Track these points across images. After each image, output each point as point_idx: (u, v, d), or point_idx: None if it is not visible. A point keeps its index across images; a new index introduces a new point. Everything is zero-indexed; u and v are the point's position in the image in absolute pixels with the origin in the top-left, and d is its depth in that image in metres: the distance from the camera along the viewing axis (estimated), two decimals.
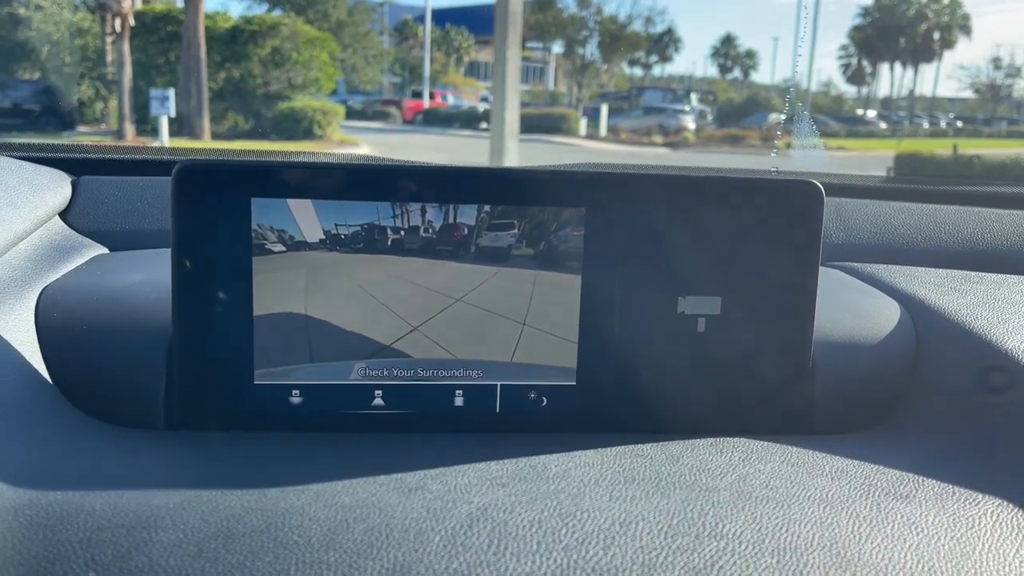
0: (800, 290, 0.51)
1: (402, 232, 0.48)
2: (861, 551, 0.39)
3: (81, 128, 15.00)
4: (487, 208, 0.49)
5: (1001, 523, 0.42)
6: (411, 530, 0.38)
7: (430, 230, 0.48)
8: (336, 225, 0.48)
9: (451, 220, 0.49)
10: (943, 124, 32.10)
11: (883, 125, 29.36)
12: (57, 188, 0.72)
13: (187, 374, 0.48)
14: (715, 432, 0.51)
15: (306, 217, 0.47)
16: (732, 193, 0.50)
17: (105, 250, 0.70)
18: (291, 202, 0.47)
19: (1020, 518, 0.43)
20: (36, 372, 0.49)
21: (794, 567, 0.38)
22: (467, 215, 0.49)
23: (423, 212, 0.48)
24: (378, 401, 0.49)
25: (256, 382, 0.48)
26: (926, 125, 31.71)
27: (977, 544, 0.40)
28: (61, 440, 0.45)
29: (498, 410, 0.50)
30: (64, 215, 0.73)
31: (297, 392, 0.49)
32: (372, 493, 0.41)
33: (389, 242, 0.48)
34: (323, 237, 0.48)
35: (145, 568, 0.36)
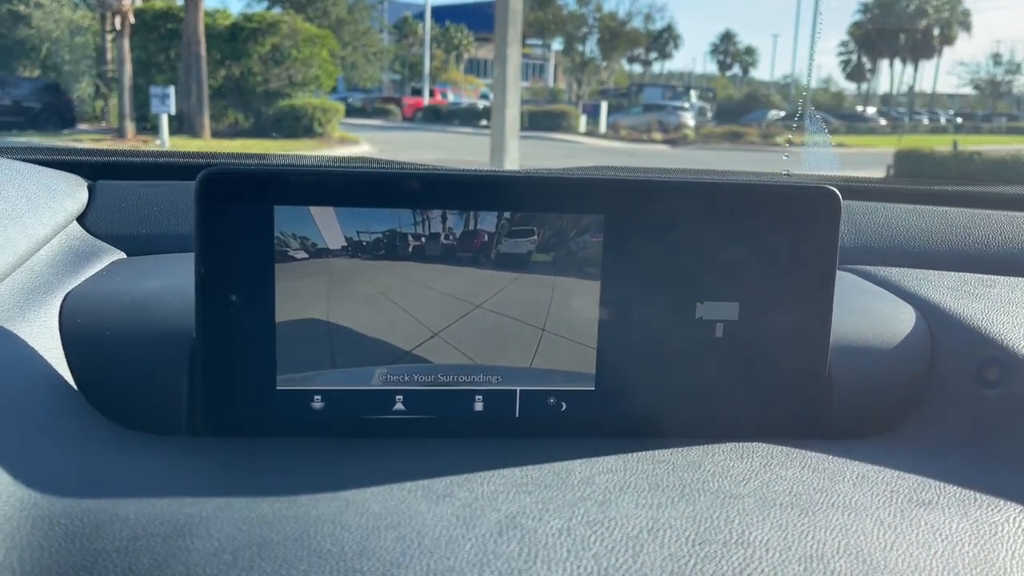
0: (817, 295, 0.52)
1: (423, 239, 0.49)
2: (887, 558, 0.39)
3: (81, 126, 15.00)
4: (507, 215, 0.49)
5: (1021, 530, 0.42)
6: (442, 538, 0.38)
7: (450, 236, 0.49)
8: (358, 232, 0.48)
9: (471, 227, 0.49)
10: (943, 120, 32.10)
11: (883, 122, 29.38)
12: (75, 193, 0.73)
13: (210, 380, 0.48)
14: (733, 437, 0.51)
15: (328, 224, 0.48)
16: (749, 199, 0.51)
17: (123, 255, 0.70)
18: (313, 209, 0.47)
19: None
20: (62, 378, 0.50)
21: (821, 575, 0.38)
22: (487, 222, 0.49)
23: (444, 219, 0.49)
24: (399, 406, 0.50)
25: (278, 388, 0.49)
26: (926, 121, 31.74)
27: (1001, 551, 0.41)
28: (89, 447, 0.46)
29: (517, 415, 0.51)
30: (81, 219, 0.73)
31: (319, 398, 0.49)
32: (401, 500, 0.41)
33: (410, 249, 0.49)
34: (345, 244, 0.48)
35: None
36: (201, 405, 0.49)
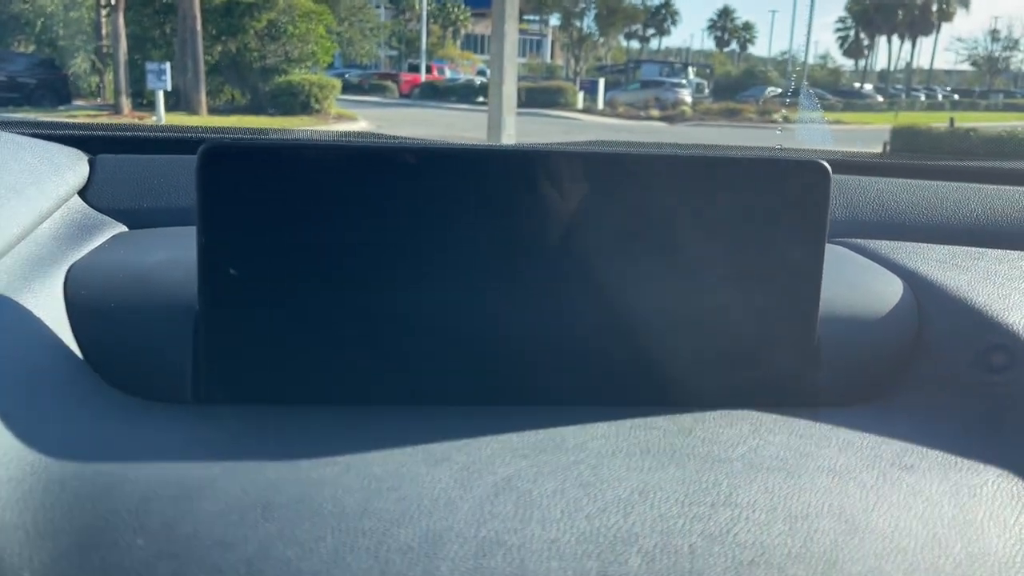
0: (806, 267, 0.53)
1: (427, 214, 0.49)
2: (869, 519, 0.41)
3: (77, 102, 14.92)
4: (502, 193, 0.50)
5: (1002, 492, 0.44)
6: (440, 499, 0.40)
7: (460, 211, 0.50)
8: (357, 205, 0.49)
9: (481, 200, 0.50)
10: (940, 97, 32.03)
11: (880, 98, 29.29)
12: (76, 167, 0.73)
13: (213, 350, 0.49)
14: (723, 405, 0.52)
15: (330, 196, 0.49)
16: (740, 171, 0.52)
17: (124, 228, 0.71)
18: (314, 182, 0.48)
19: (1020, 487, 0.44)
20: (68, 349, 0.51)
21: (805, 533, 0.40)
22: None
23: (451, 194, 0.49)
24: (401, 375, 0.51)
25: (280, 356, 0.50)
26: (923, 98, 31.65)
27: (979, 512, 0.42)
28: (97, 414, 0.47)
29: (516, 383, 0.52)
30: (82, 193, 0.74)
31: (321, 366, 0.50)
32: (401, 464, 0.42)
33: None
34: (346, 217, 0.49)
35: (191, 536, 0.37)
36: (204, 375, 0.50)
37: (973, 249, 0.73)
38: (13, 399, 0.43)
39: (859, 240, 0.76)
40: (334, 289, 0.49)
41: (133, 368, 0.51)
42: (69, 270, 0.56)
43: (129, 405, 0.49)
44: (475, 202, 0.50)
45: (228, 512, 0.38)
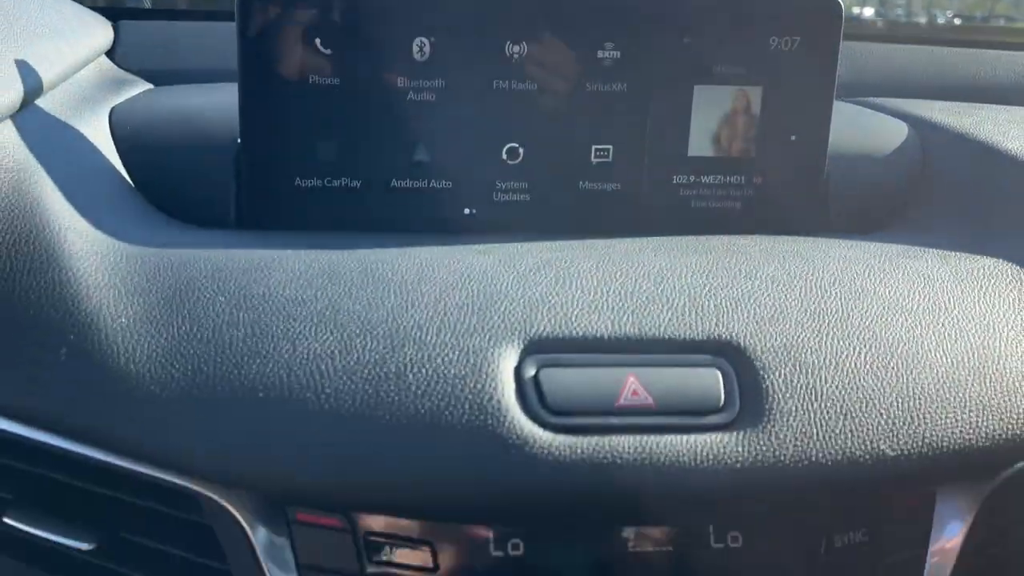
0: (817, 97, 0.55)
1: (466, 42, 0.51)
2: (876, 288, 0.45)
3: None
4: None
5: (996, 273, 0.48)
6: (488, 272, 0.44)
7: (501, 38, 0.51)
8: (397, 40, 0.51)
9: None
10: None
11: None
12: (103, 27, 0.75)
13: (256, 178, 0.52)
14: (736, 231, 0.55)
15: (367, 31, 0.50)
16: (753, 7, 0.54)
17: (152, 87, 0.73)
18: (354, 14, 0.50)
19: (1014, 270, 0.48)
20: (121, 175, 0.53)
21: (819, 298, 0.44)
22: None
23: (490, 21, 0.51)
24: (440, 202, 0.53)
25: (319, 186, 0.52)
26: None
27: (976, 288, 0.46)
28: (158, 224, 0.50)
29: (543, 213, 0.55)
30: (109, 55, 0.75)
31: (359, 193, 0.53)
32: (449, 251, 0.46)
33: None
34: (385, 51, 0.51)
35: (265, 295, 0.41)
36: (247, 200, 0.53)
37: (974, 104, 0.76)
38: (82, 203, 0.46)
39: (864, 98, 0.78)
40: (372, 116, 0.52)
41: (180, 196, 0.54)
42: (113, 109, 0.59)
43: (183, 226, 0.52)
44: (512, 29, 0.51)
45: (296, 279, 0.42)
